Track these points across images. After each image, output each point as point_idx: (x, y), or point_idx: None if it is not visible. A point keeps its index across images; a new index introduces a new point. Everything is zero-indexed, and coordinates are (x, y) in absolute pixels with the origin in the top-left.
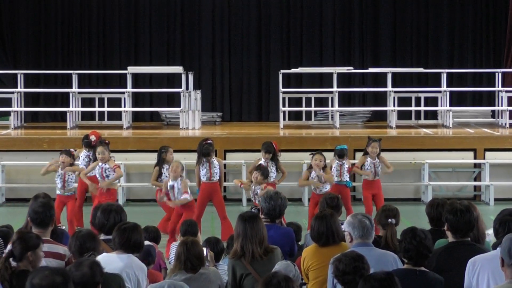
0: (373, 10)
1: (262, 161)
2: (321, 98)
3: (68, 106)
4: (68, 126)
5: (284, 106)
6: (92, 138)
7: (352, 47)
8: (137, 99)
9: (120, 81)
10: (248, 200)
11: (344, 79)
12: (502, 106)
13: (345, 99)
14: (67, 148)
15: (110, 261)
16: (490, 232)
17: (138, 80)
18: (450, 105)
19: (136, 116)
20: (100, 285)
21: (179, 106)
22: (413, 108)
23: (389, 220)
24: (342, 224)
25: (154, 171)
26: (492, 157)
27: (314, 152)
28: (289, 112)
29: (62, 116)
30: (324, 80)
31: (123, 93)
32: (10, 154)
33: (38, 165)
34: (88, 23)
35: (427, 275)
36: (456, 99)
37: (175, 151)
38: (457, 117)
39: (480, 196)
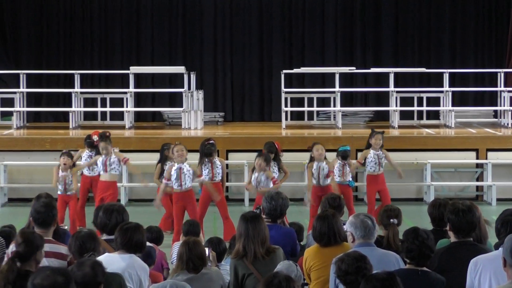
0: (375, 10)
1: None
2: (323, 98)
3: (70, 106)
4: (70, 126)
5: (286, 106)
6: (95, 138)
7: (354, 47)
8: (139, 99)
9: (122, 81)
10: (251, 200)
11: (346, 79)
12: (504, 106)
13: (347, 99)
14: (67, 150)
15: (112, 261)
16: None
17: (140, 80)
18: (452, 105)
19: (138, 116)
20: (102, 285)
21: (181, 106)
22: (415, 108)
23: (391, 220)
24: (344, 224)
25: (157, 168)
26: (494, 157)
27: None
28: (291, 112)
29: (64, 116)
30: (326, 80)
31: (125, 93)
32: (12, 154)
33: (40, 165)
34: (90, 23)
35: (429, 275)
36: (458, 99)
37: None
38: (459, 117)
39: (482, 196)
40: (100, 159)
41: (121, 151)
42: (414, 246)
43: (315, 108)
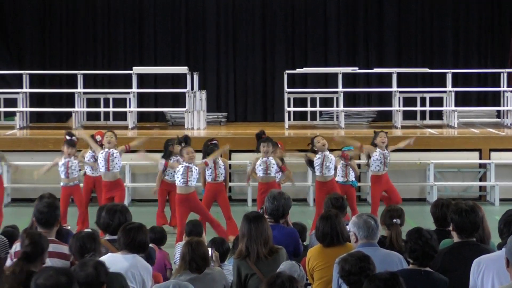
0: (377, 10)
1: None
2: (326, 98)
3: (73, 106)
4: (74, 127)
5: (289, 106)
6: (98, 138)
7: (357, 47)
8: (142, 100)
9: (125, 82)
10: (254, 200)
11: (349, 79)
12: (507, 106)
13: (350, 99)
14: (70, 134)
15: (115, 261)
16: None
17: (143, 80)
18: (455, 105)
19: (141, 117)
20: (105, 285)
21: (184, 107)
22: (418, 108)
23: (394, 220)
24: (347, 224)
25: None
26: (498, 157)
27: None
28: (294, 112)
29: (67, 117)
30: (329, 80)
31: (128, 93)
32: (15, 154)
33: (43, 166)
34: (93, 23)
35: (432, 275)
36: (461, 99)
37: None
38: (462, 117)
39: (485, 197)
40: (102, 155)
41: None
42: (417, 246)
43: (318, 108)
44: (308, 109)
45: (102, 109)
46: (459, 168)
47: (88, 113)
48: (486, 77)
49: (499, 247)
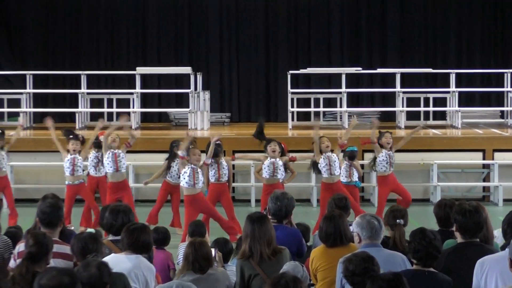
0: (381, 10)
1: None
2: (330, 98)
3: (76, 106)
4: (77, 127)
5: (292, 106)
6: (102, 138)
7: (360, 47)
8: (145, 100)
9: (129, 82)
10: (257, 200)
11: (353, 80)
12: (511, 106)
13: (354, 100)
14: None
15: (119, 261)
16: (496, 235)
17: (147, 80)
18: (459, 106)
19: (144, 117)
20: (108, 286)
21: (188, 107)
22: (422, 108)
23: (397, 220)
24: (350, 225)
25: (164, 164)
26: (501, 158)
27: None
28: (298, 112)
29: (70, 117)
30: (332, 81)
31: (132, 93)
32: (19, 154)
33: (47, 166)
34: (96, 23)
35: (436, 276)
36: (465, 100)
37: None
38: (466, 118)
39: (489, 197)
40: (109, 155)
41: (127, 151)
42: (421, 246)
43: (321, 109)
44: (312, 109)
45: (105, 110)
46: (463, 168)
47: (92, 113)
48: (489, 78)
49: (503, 247)
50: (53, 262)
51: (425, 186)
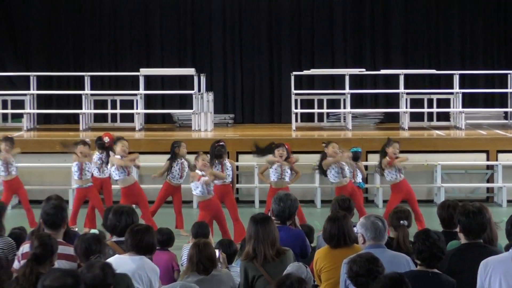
0: (384, 11)
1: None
2: (333, 99)
3: (80, 108)
4: (81, 128)
5: (296, 107)
6: (106, 139)
7: (364, 48)
8: (149, 101)
9: (132, 83)
10: (261, 202)
11: (356, 81)
12: None
13: (357, 101)
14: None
15: (122, 262)
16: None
17: (150, 82)
18: (463, 107)
19: (148, 118)
20: (112, 287)
21: (191, 108)
22: (426, 109)
23: (401, 222)
24: (354, 226)
25: (165, 165)
26: (505, 159)
27: (326, 143)
28: (301, 113)
29: (74, 118)
30: (336, 82)
31: (136, 95)
32: (23, 156)
33: (50, 167)
34: (99, 25)
35: (440, 277)
36: (468, 101)
37: (187, 153)
38: (470, 119)
39: (492, 198)
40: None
41: (131, 153)
42: (425, 247)
43: (325, 110)
44: (315, 110)
45: (109, 111)
46: (467, 169)
47: (95, 114)
48: (493, 78)
49: (507, 248)
50: (57, 263)
51: (429, 187)
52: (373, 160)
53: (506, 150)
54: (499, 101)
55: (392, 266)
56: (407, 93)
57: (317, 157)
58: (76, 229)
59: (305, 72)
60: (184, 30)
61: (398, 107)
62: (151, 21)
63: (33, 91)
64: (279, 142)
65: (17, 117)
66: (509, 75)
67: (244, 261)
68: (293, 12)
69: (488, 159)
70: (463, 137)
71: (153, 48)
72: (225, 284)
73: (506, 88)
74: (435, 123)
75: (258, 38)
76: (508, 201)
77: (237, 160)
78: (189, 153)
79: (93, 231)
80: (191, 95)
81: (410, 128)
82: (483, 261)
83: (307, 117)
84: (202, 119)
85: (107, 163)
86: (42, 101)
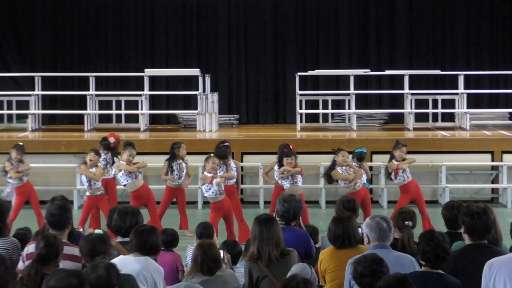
0: (389, 12)
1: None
2: (338, 100)
3: (85, 108)
4: (86, 129)
5: (301, 108)
6: (111, 140)
7: (369, 49)
8: (154, 102)
9: (137, 84)
10: (266, 202)
11: (361, 81)
12: None
13: (362, 101)
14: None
15: (127, 263)
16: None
17: (155, 82)
18: (467, 107)
19: (153, 119)
20: None
21: (196, 109)
22: (430, 110)
23: (406, 222)
24: (359, 226)
25: (165, 166)
26: (510, 160)
27: (336, 150)
28: (306, 114)
29: (79, 119)
30: (340, 82)
31: (140, 95)
32: (27, 156)
33: (55, 168)
34: (104, 25)
35: (445, 277)
36: (473, 101)
37: (192, 153)
38: (474, 119)
39: (497, 199)
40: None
41: (136, 153)
42: (429, 248)
43: (330, 111)
44: (320, 111)
45: (114, 111)
46: (471, 170)
47: (100, 115)
48: (498, 79)
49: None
50: (61, 264)
51: (433, 188)
52: (378, 160)
53: (511, 151)
54: (504, 101)
55: (396, 267)
56: (412, 94)
57: (321, 158)
58: (81, 230)
59: (310, 72)
60: (189, 30)
61: (403, 108)
62: (156, 22)
63: (38, 91)
64: (288, 150)
65: (22, 118)
66: None
67: (249, 261)
68: (298, 13)
69: (493, 160)
70: (468, 138)
71: (157, 49)
72: (229, 285)
73: (511, 88)
74: (440, 123)
75: (263, 38)
76: None
77: (242, 161)
78: (194, 154)
79: (97, 231)
80: (195, 95)
81: (414, 129)
82: (487, 262)
83: (312, 118)
84: (207, 119)
85: (112, 163)
86: (47, 102)
